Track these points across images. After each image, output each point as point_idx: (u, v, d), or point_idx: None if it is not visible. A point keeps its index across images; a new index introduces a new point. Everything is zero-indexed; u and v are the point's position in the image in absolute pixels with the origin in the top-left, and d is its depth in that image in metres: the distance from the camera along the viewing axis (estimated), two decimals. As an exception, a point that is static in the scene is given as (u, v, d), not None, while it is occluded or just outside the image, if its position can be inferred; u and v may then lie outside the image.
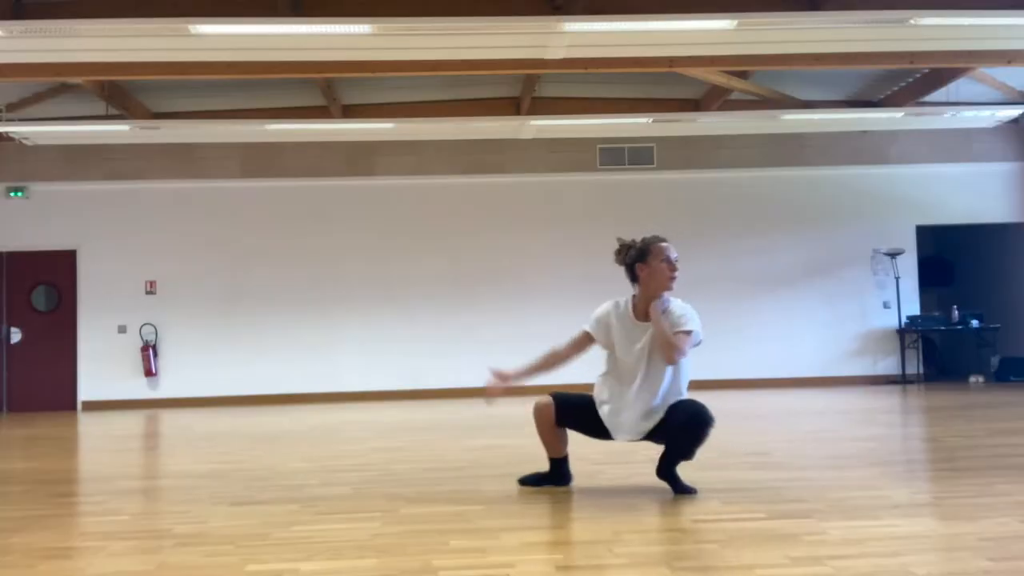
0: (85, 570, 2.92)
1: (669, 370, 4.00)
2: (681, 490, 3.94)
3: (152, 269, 10.89)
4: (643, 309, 4.02)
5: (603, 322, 4.16)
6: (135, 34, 6.22)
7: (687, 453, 3.96)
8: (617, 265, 4.17)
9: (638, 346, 4.02)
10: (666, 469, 4.00)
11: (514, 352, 11.41)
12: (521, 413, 8.33)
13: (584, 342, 4.22)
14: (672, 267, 4.00)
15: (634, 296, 4.10)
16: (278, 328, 10.90)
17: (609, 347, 4.14)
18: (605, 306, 4.19)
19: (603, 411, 4.14)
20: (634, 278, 4.08)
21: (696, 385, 11.81)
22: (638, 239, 4.12)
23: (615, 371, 4.13)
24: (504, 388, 4.16)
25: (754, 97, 9.85)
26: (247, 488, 4.47)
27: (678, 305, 4.03)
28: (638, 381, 4.01)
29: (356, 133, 9.89)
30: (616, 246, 4.17)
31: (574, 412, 4.21)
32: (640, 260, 4.03)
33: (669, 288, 4.01)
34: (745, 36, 6.66)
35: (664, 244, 4.04)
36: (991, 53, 7.52)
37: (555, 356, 4.28)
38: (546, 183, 11.18)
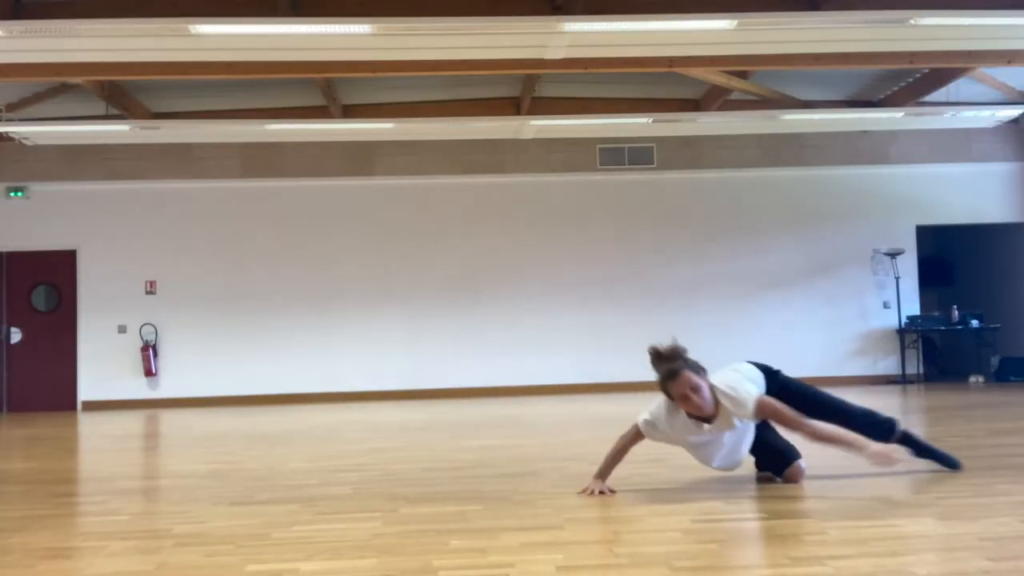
0: (85, 570, 2.92)
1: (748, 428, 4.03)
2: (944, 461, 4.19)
3: (152, 269, 10.89)
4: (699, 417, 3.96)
5: (657, 429, 4.09)
6: (135, 34, 6.21)
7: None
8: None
9: (705, 434, 4.00)
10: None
11: (513, 351, 11.47)
12: (520, 413, 8.35)
13: (639, 437, 4.17)
14: (688, 403, 3.88)
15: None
16: (278, 328, 10.90)
17: (670, 443, 4.15)
18: (659, 413, 4.08)
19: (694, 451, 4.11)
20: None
21: (696, 385, 11.45)
22: (663, 358, 3.98)
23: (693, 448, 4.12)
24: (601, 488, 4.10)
25: (754, 97, 9.85)
26: (247, 488, 4.47)
27: (726, 392, 3.92)
28: (723, 448, 4.04)
29: (356, 133, 9.90)
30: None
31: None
32: (665, 391, 3.99)
33: (696, 413, 3.94)
34: (745, 36, 6.65)
35: (674, 382, 3.88)
36: (991, 53, 7.52)
37: (622, 452, 4.21)
38: (546, 183, 11.19)
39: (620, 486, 4.22)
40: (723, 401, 3.89)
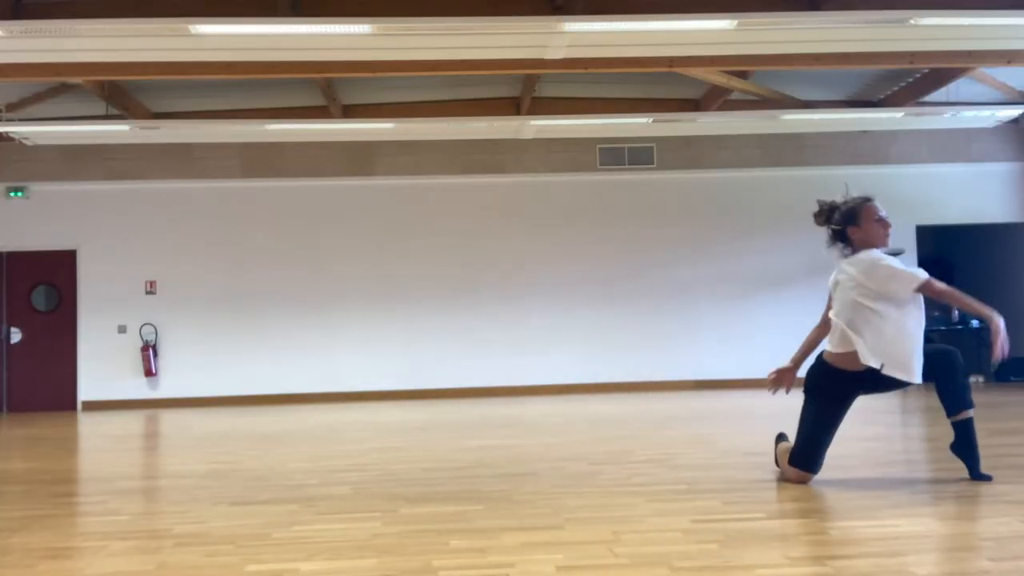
0: (85, 570, 2.92)
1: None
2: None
3: (152, 269, 10.89)
4: None
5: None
6: (135, 34, 6.22)
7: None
8: (817, 226, 4.25)
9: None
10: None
11: (513, 351, 11.46)
12: (520, 413, 8.35)
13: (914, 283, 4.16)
14: (885, 224, 4.09)
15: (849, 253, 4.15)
16: (278, 328, 10.90)
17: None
18: (834, 275, 4.21)
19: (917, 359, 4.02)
20: (844, 239, 4.16)
21: (697, 385, 11.73)
22: (839, 200, 4.20)
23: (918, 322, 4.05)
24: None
25: (754, 97, 9.85)
26: (247, 488, 4.47)
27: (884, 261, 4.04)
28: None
29: (356, 133, 9.89)
30: (816, 208, 4.25)
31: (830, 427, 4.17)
32: (851, 223, 4.12)
33: (885, 245, 4.10)
34: (745, 36, 6.65)
35: (872, 204, 4.12)
36: (991, 53, 7.52)
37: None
38: (546, 183, 11.19)
39: (620, 486, 4.22)
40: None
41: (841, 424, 4.19)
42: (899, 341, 3.96)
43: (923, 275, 3.94)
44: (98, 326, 10.83)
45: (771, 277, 11.23)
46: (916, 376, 3.99)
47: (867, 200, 4.14)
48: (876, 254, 4.05)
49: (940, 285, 3.94)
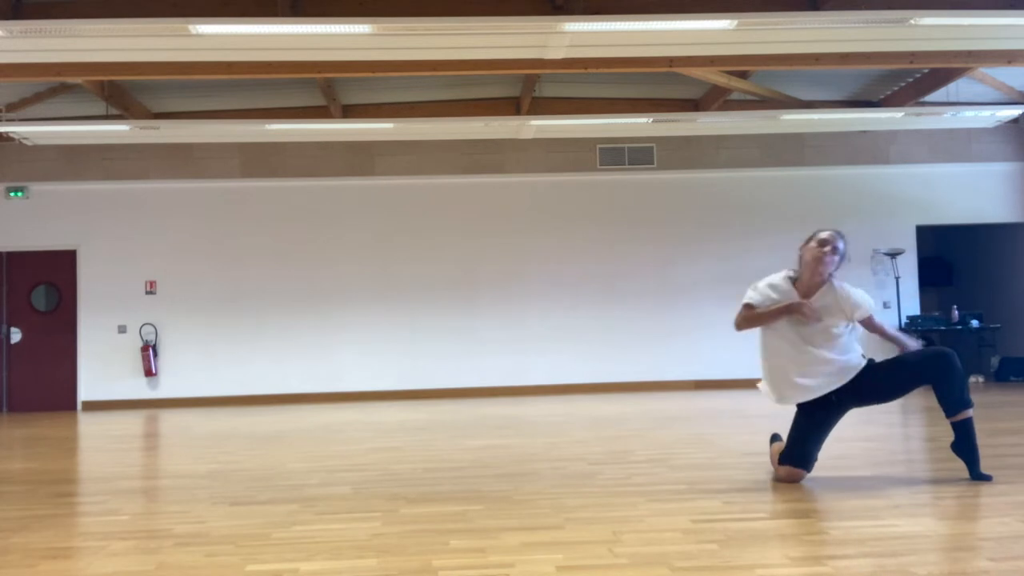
0: (85, 570, 2.93)
1: (843, 327, 4.23)
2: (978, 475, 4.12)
3: (152, 269, 10.89)
4: (804, 287, 4.33)
5: (757, 290, 4.40)
6: (135, 34, 6.21)
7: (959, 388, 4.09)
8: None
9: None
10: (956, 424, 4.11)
11: (513, 351, 11.45)
12: (520, 413, 8.35)
13: (750, 310, 4.43)
14: (822, 245, 4.27)
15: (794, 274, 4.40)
16: (278, 328, 10.90)
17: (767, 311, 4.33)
18: (770, 282, 4.42)
19: (800, 382, 4.20)
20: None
21: (697, 385, 11.75)
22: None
23: (788, 342, 4.26)
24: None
25: (754, 97, 9.85)
26: (247, 488, 4.47)
27: (850, 288, 4.31)
28: (818, 343, 4.22)
29: (356, 133, 9.89)
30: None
31: (815, 437, 4.24)
32: (804, 243, 4.39)
33: (821, 269, 4.26)
34: (745, 36, 6.65)
35: (830, 231, 4.36)
36: (991, 53, 7.53)
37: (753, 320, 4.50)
38: (546, 183, 11.19)
39: (620, 486, 4.22)
40: (840, 290, 4.24)
41: (836, 425, 4.21)
42: (771, 362, 4.29)
43: (742, 307, 4.34)
44: (98, 326, 10.83)
45: (771, 277, 11.22)
46: (783, 400, 4.23)
47: (825, 230, 4.40)
48: (770, 276, 4.40)
49: (741, 320, 4.35)
